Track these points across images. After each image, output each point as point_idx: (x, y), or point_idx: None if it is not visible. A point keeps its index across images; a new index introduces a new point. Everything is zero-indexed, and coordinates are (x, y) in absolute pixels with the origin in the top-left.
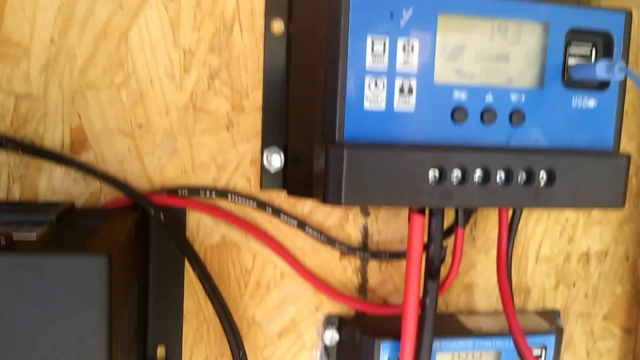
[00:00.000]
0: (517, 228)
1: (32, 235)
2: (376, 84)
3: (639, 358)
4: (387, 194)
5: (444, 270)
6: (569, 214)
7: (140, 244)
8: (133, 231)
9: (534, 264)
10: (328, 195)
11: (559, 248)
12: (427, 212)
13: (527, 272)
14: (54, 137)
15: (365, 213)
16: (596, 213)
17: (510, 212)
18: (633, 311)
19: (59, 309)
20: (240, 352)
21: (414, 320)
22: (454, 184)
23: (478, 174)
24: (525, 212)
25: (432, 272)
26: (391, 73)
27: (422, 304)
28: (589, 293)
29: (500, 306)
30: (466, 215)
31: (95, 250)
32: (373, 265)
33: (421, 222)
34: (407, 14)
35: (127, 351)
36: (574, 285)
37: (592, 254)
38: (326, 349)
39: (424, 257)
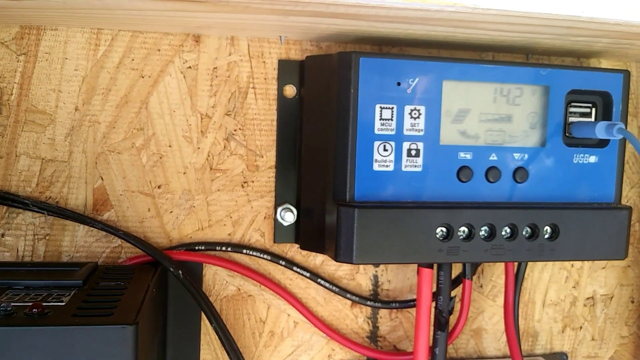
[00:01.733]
0: (523, 278)
1: (61, 302)
2: (385, 148)
3: None
4: (397, 252)
5: (452, 319)
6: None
7: (160, 299)
8: (154, 289)
9: (540, 309)
10: (340, 254)
11: (565, 293)
12: (435, 264)
13: (534, 317)
14: (77, 198)
15: (376, 263)
16: None
17: (516, 264)
18: (639, 353)
19: None
20: None
21: None
22: (461, 240)
23: (484, 230)
24: None
25: (441, 323)
26: (399, 137)
27: (432, 353)
28: (595, 336)
29: (508, 351)
30: (473, 267)
31: (123, 319)
32: (383, 312)
33: (430, 275)
34: (413, 83)
35: None
36: (580, 328)
37: (598, 297)
38: None
39: (433, 305)
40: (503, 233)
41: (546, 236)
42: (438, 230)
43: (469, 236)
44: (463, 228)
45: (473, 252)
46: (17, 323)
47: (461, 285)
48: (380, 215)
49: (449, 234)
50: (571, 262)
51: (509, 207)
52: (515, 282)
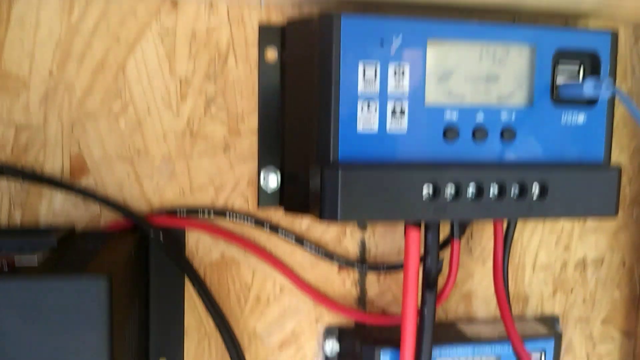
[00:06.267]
0: (512, 238)
1: (34, 259)
2: (368, 107)
3: None
4: (382, 210)
5: (441, 281)
6: (564, 223)
7: (140, 264)
8: (133, 253)
9: (531, 273)
10: (324, 212)
11: (556, 256)
12: (423, 225)
13: (524, 281)
14: (54, 164)
15: (363, 227)
16: (591, 222)
17: (505, 224)
18: (632, 315)
19: (61, 331)
20: None
21: (412, 330)
22: (448, 199)
23: (471, 188)
24: (520, 223)
25: (429, 283)
26: (383, 96)
27: (421, 313)
28: (587, 298)
29: (499, 314)
30: (462, 227)
31: (96, 273)
32: (371, 277)
33: (417, 236)
34: (397, 41)
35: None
36: (571, 291)
37: (589, 261)
38: (327, 359)
39: (421, 268)
40: (491, 191)
41: (535, 194)
42: (424, 188)
43: (457, 195)
44: (450, 186)
45: (461, 211)
46: None
47: (449, 246)
48: (365, 176)
49: (436, 193)
50: (561, 226)
51: (496, 166)
52: (505, 243)
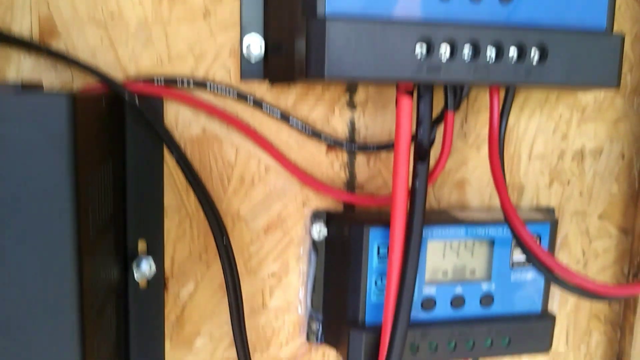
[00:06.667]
0: (509, 112)
1: None
2: None
3: (636, 258)
4: (372, 68)
5: (434, 160)
6: (563, 110)
7: (114, 128)
8: (104, 103)
9: (527, 162)
10: (310, 68)
11: (553, 145)
12: (415, 97)
13: (520, 170)
14: (21, 26)
15: (352, 106)
16: (590, 110)
17: (502, 96)
18: (629, 211)
19: (22, 154)
20: (224, 238)
21: (403, 206)
22: (443, 60)
23: (467, 49)
24: (517, 108)
25: (421, 154)
26: None
27: (412, 187)
28: (583, 192)
29: (493, 203)
30: (456, 99)
31: (58, 91)
32: (361, 160)
33: (409, 103)
34: None
35: (103, 230)
36: (568, 183)
37: (587, 152)
38: (314, 244)
39: (413, 146)
40: (488, 53)
41: (534, 58)
42: (417, 47)
43: (452, 55)
44: (445, 46)
45: (456, 72)
46: None
47: (443, 125)
48: (354, 30)
49: (430, 52)
50: (559, 113)
51: (494, 27)
52: (501, 117)
